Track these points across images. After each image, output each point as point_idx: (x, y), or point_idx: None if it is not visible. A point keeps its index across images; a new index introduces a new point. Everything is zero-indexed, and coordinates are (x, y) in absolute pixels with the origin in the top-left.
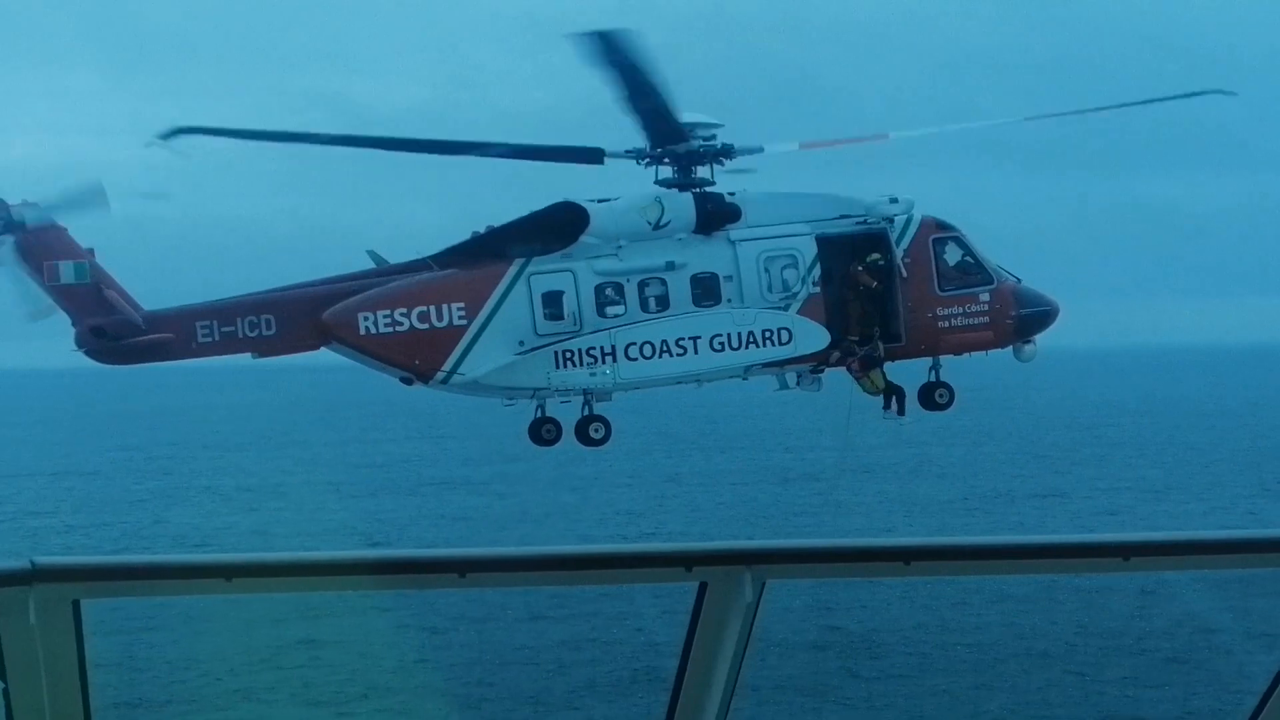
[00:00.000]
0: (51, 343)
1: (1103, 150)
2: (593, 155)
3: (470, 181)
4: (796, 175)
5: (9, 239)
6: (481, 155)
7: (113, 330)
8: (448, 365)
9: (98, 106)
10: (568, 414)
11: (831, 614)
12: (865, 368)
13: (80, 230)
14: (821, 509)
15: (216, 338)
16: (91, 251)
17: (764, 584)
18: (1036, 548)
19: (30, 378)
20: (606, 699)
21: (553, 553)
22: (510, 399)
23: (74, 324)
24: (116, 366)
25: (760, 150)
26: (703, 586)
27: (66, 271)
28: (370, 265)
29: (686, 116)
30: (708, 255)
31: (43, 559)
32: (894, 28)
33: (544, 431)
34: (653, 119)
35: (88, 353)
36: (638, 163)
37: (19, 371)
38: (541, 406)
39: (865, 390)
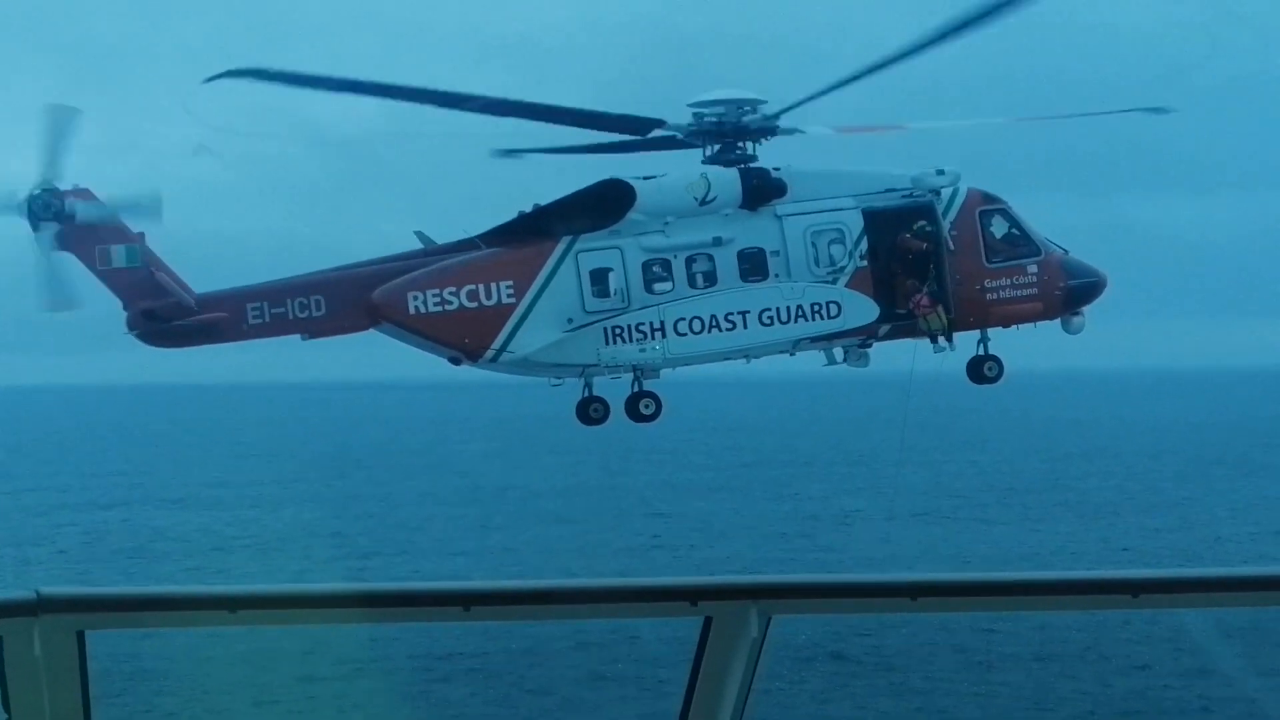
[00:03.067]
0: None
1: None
2: (647, 125)
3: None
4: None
5: (54, 227)
6: (536, 120)
7: (164, 313)
8: (497, 343)
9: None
10: (614, 394)
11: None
12: (931, 305)
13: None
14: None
15: (267, 319)
16: (142, 235)
17: (770, 619)
18: (1044, 584)
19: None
20: None
21: (556, 586)
22: (558, 377)
23: (125, 308)
24: (167, 349)
25: (801, 132)
26: (708, 621)
27: (118, 255)
28: (418, 246)
29: (727, 93)
30: (754, 230)
31: (48, 589)
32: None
33: (591, 410)
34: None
35: (139, 336)
36: (679, 137)
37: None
38: (589, 385)
39: (925, 328)
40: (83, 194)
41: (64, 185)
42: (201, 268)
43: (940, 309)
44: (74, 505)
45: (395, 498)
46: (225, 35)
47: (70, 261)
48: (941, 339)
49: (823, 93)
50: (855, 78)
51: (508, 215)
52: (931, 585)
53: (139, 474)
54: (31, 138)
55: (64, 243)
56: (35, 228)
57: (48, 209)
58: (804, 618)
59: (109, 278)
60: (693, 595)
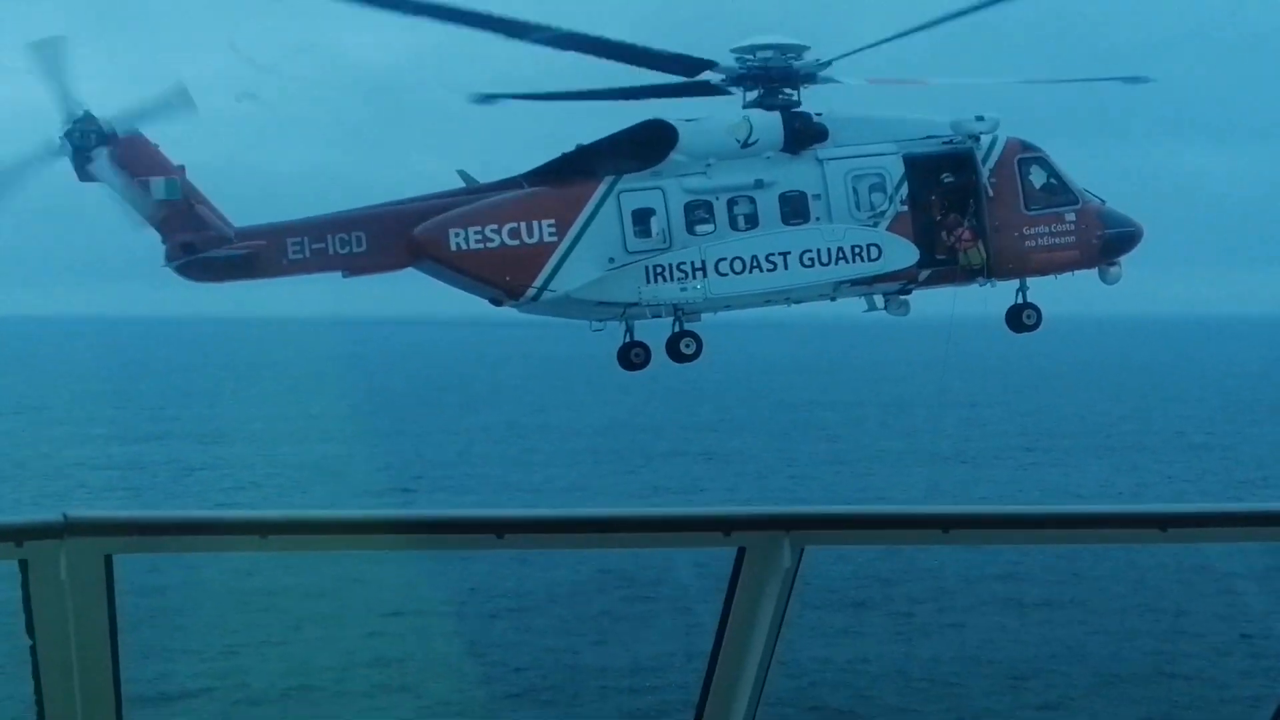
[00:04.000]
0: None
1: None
2: (698, 66)
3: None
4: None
5: (104, 151)
6: (588, 53)
7: (203, 246)
8: (539, 281)
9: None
10: (654, 337)
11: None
12: (974, 238)
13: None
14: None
15: (307, 254)
16: (182, 168)
17: (803, 550)
18: (1073, 517)
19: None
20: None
21: (591, 515)
22: (599, 318)
23: (163, 240)
24: (205, 283)
25: (837, 82)
26: (741, 551)
27: (158, 188)
28: (460, 185)
29: (770, 38)
30: (796, 174)
31: (75, 512)
32: None
33: (633, 355)
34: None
35: (177, 269)
36: (719, 84)
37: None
38: (630, 330)
39: (966, 263)
40: (128, 146)
41: (120, 130)
42: (239, 203)
43: (981, 243)
44: (105, 438)
45: (435, 434)
46: None
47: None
48: (981, 277)
49: (876, 44)
50: (913, 30)
51: (536, 156)
52: (963, 518)
53: (174, 408)
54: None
55: (119, 163)
56: (85, 161)
57: (87, 137)
58: (837, 548)
59: (148, 209)
60: (726, 525)
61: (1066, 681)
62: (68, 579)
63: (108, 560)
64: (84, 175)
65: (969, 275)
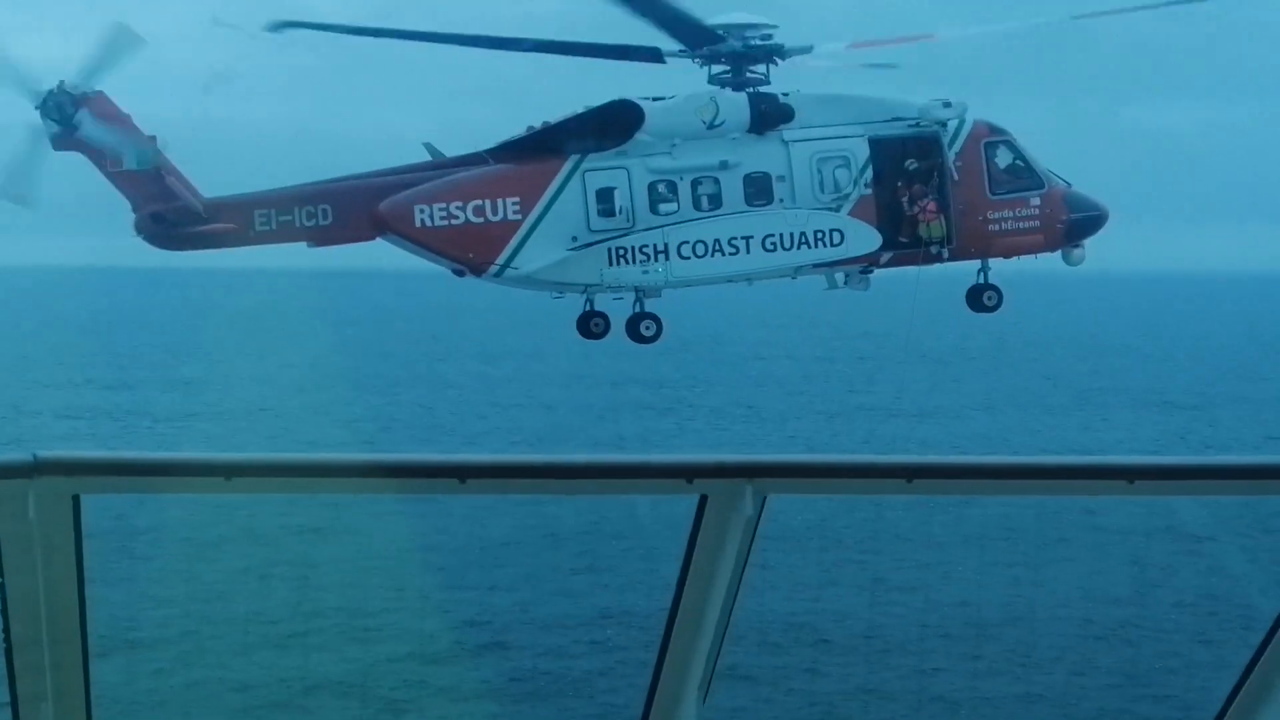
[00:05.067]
0: None
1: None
2: (652, 55)
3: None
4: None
5: (85, 114)
6: (541, 53)
7: (172, 216)
8: (501, 259)
9: None
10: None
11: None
12: (937, 211)
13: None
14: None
15: (274, 226)
16: (154, 138)
17: (765, 498)
18: (1040, 468)
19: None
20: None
21: (554, 461)
22: (560, 293)
23: (134, 210)
24: (174, 252)
25: (810, 50)
26: (703, 499)
27: (129, 158)
28: (427, 159)
29: (737, 17)
30: (761, 155)
31: (45, 452)
32: None
33: (592, 325)
34: (669, 22)
35: (147, 238)
36: (692, 61)
37: None
38: (590, 300)
39: (925, 234)
40: (100, 104)
41: (88, 90)
42: (208, 158)
43: (943, 218)
44: (75, 384)
45: (402, 384)
46: None
47: (80, 161)
48: (936, 248)
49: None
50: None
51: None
52: (928, 467)
53: (145, 357)
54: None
55: (70, 144)
56: (72, 130)
57: (59, 110)
58: (800, 497)
59: (119, 179)
60: (689, 473)
61: (1032, 633)
62: (36, 518)
63: (76, 500)
64: (63, 144)
65: (931, 258)
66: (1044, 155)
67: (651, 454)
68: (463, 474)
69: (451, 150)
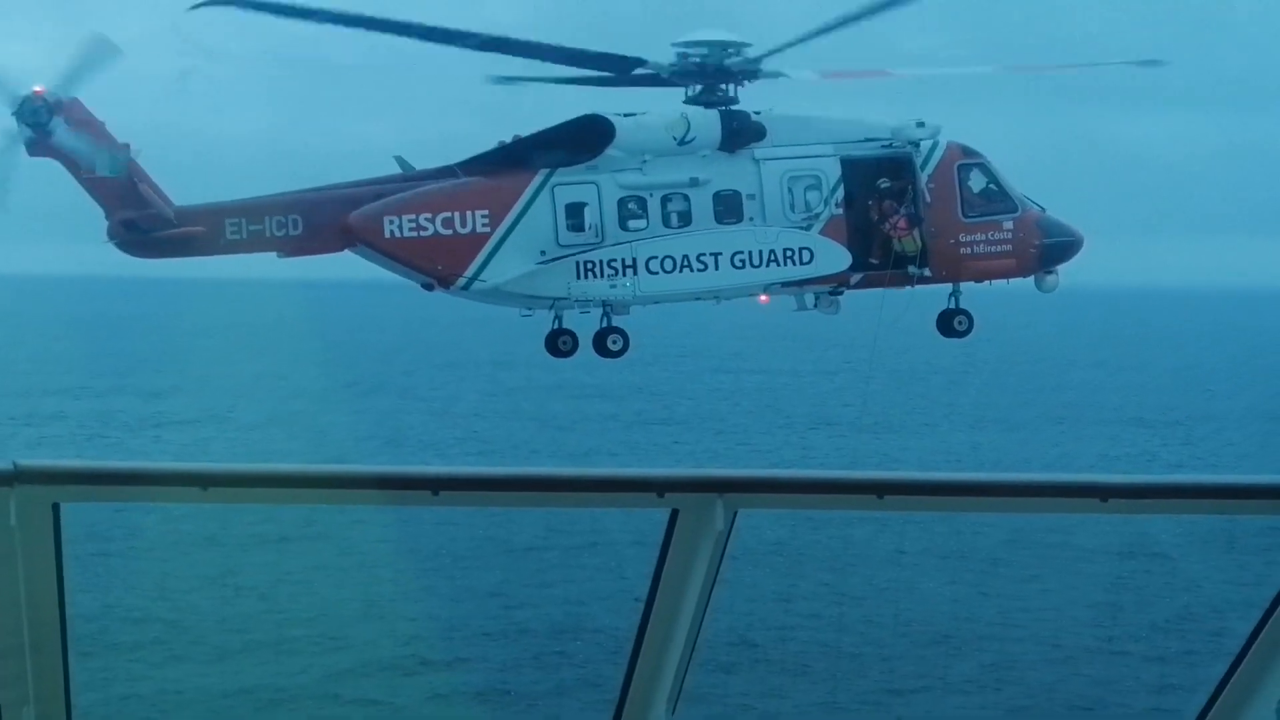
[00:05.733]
0: None
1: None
2: (628, 64)
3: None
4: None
5: (59, 121)
6: (516, 55)
7: (144, 224)
8: (470, 271)
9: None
10: (584, 327)
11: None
12: (909, 228)
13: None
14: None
15: (244, 235)
16: (127, 146)
17: (736, 513)
18: (1012, 485)
19: None
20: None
21: (526, 474)
22: (529, 309)
23: (106, 216)
24: (145, 260)
25: (783, 75)
26: (674, 513)
27: (102, 164)
28: (397, 171)
29: (711, 34)
30: (731, 173)
31: (25, 461)
32: None
33: (560, 343)
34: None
35: (118, 245)
36: (662, 76)
37: None
38: (559, 318)
39: (899, 249)
40: (75, 110)
41: (63, 97)
42: (177, 166)
43: (916, 233)
44: (54, 391)
45: (376, 394)
46: None
47: (55, 168)
48: (911, 268)
49: (808, 37)
50: (842, 23)
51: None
52: (899, 484)
53: (123, 363)
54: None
55: (42, 150)
56: (47, 136)
57: (34, 115)
58: (770, 512)
59: (92, 185)
60: (660, 487)
61: (999, 648)
62: (17, 525)
63: (55, 508)
64: (38, 150)
65: (902, 280)
66: (1013, 168)
67: (623, 467)
68: (435, 486)
69: (421, 163)
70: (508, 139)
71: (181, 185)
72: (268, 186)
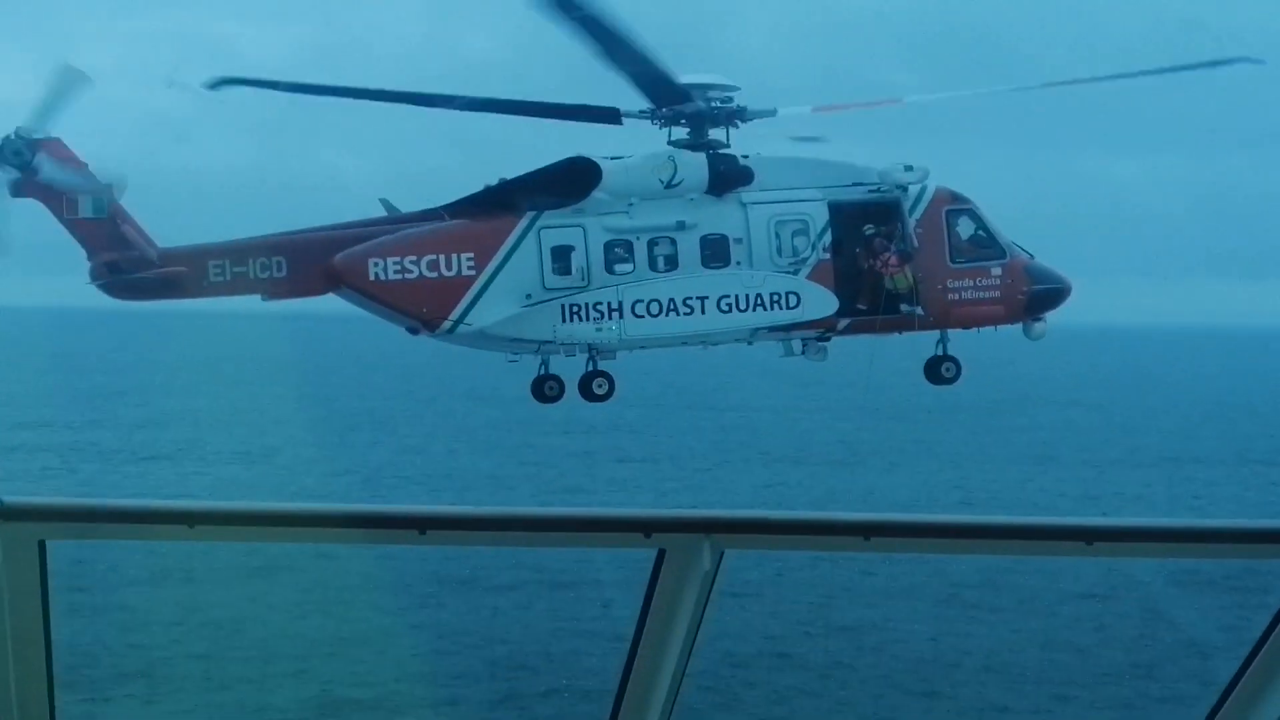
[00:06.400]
0: None
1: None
2: (609, 116)
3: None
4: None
5: (44, 157)
6: (497, 112)
7: (127, 265)
8: (455, 314)
9: None
10: (571, 372)
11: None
12: (900, 264)
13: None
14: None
15: (228, 277)
16: (110, 187)
17: (722, 553)
18: (998, 528)
19: None
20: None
21: (513, 513)
22: (514, 352)
23: (89, 258)
24: (128, 302)
25: (774, 113)
26: (661, 553)
27: (85, 205)
28: (383, 213)
29: (700, 77)
30: (718, 216)
31: (11, 498)
32: None
33: (546, 388)
34: (644, 80)
35: (101, 287)
36: (651, 123)
37: None
38: (545, 363)
39: (891, 286)
40: (57, 149)
41: (41, 135)
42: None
43: (908, 269)
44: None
45: (360, 430)
46: None
47: (36, 207)
48: (905, 307)
49: None
50: None
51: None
52: (885, 525)
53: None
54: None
55: (27, 190)
56: (33, 174)
57: (17, 156)
58: (758, 553)
59: (74, 227)
60: (646, 527)
61: (984, 692)
62: (3, 562)
63: (41, 545)
64: (23, 190)
65: (889, 326)
66: (1005, 210)
67: (609, 507)
68: (422, 525)
69: (407, 206)
70: (493, 180)
71: (158, 222)
72: (245, 219)
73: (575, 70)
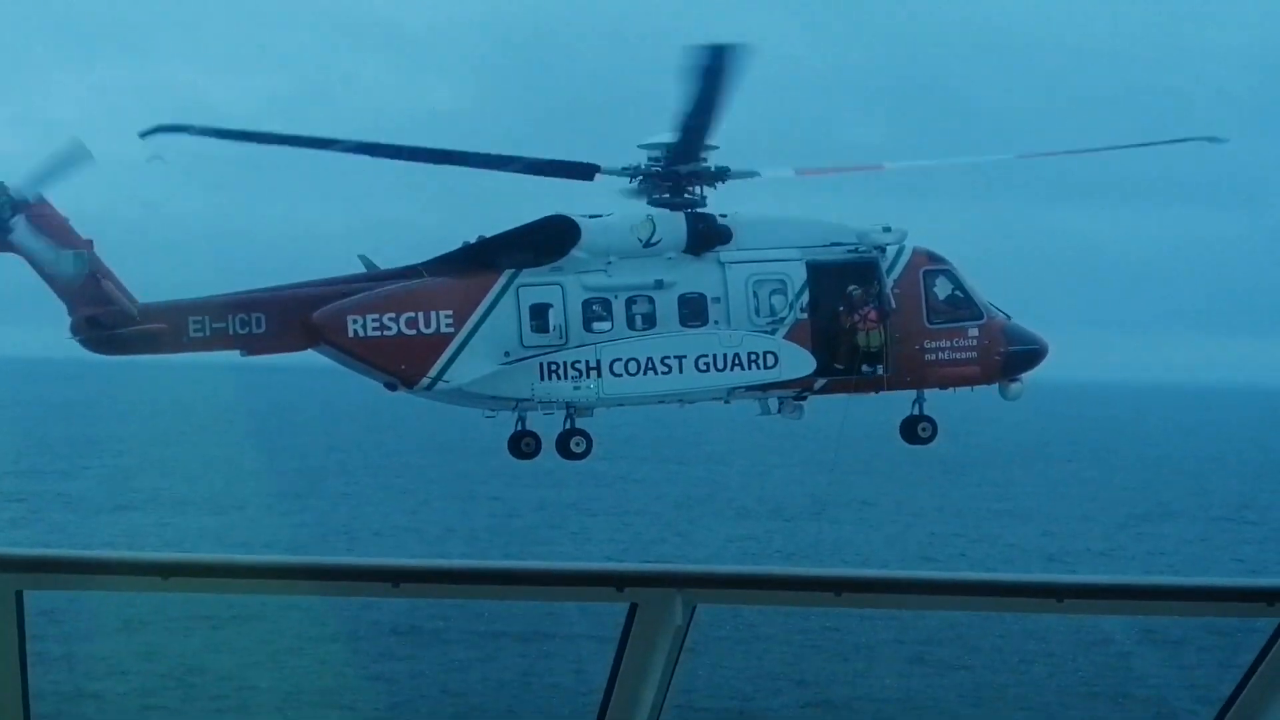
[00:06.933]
0: None
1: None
2: (585, 171)
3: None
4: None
5: (21, 219)
6: (471, 166)
7: (107, 321)
8: (433, 372)
9: None
10: (548, 429)
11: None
12: (879, 320)
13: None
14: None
15: (207, 333)
16: (90, 242)
17: (695, 608)
18: (969, 584)
19: None
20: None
21: (485, 567)
22: (492, 410)
23: (69, 313)
24: (108, 357)
25: (757, 174)
26: (633, 607)
27: (66, 262)
28: (361, 270)
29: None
30: (697, 276)
31: None
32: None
33: (523, 445)
34: (692, 135)
35: (81, 342)
36: (630, 180)
37: None
38: (522, 420)
39: (862, 343)
40: (39, 209)
41: (28, 197)
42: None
43: (885, 329)
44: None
45: (328, 482)
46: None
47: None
48: (883, 366)
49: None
50: None
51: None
52: (856, 581)
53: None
54: None
55: (38, 227)
56: (6, 232)
57: (3, 208)
58: (730, 608)
59: (54, 282)
60: (619, 581)
61: None
62: None
63: (18, 595)
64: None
65: (866, 385)
66: (981, 269)
67: (582, 561)
68: (395, 578)
69: (381, 256)
70: (472, 238)
71: (131, 273)
72: (218, 276)
73: (540, 121)
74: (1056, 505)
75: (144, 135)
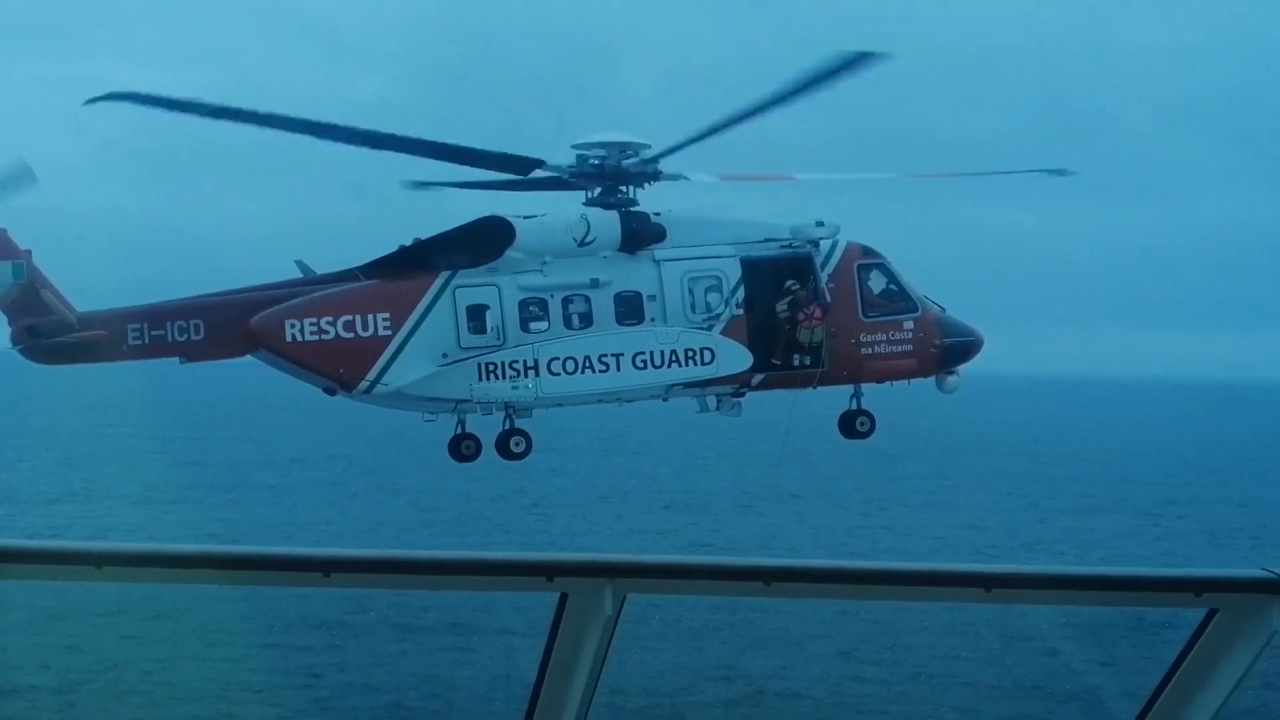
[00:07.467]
0: None
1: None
2: (527, 165)
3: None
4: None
5: None
6: (410, 153)
7: (47, 330)
8: (371, 375)
9: None
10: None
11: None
12: (815, 317)
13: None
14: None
15: (146, 341)
16: (29, 252)
17: (624, 597)
18: (897, 574)
19: None
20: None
21: (417, 556)
22: (431, 412)
23: (10, 323)
24: (49, 365)
25: (685, 178)
26: (563, 598)
27: (4, 273)
28: (298, 274)
29: (611, 135)
30: (632, 274)
31: None
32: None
33: (463, 448)
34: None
35: (21, 351)
36: (564, 178)
37: None
38: (462, 422)
39: (805, 340)
40: None
41: None
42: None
43: (821, 324)
44: None
45: (259, 476)
46: None
47: None
48: (819, 360)
49: (700, 138)
50: (731, 123)
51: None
52: (786, 570)
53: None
54: None
55: None
56: None
57: None
58: (660, 597)
59: None
60: (549, 571)
61: None
62: None
63: None
64: None
65: (803, 380)
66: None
67: (513, 551)
68: (326, 568)
69: (317, 259)
70: (407, 240)
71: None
72: (143, 266)
73: (475, 113)
74: (985, 498)
75: (88, 103)
